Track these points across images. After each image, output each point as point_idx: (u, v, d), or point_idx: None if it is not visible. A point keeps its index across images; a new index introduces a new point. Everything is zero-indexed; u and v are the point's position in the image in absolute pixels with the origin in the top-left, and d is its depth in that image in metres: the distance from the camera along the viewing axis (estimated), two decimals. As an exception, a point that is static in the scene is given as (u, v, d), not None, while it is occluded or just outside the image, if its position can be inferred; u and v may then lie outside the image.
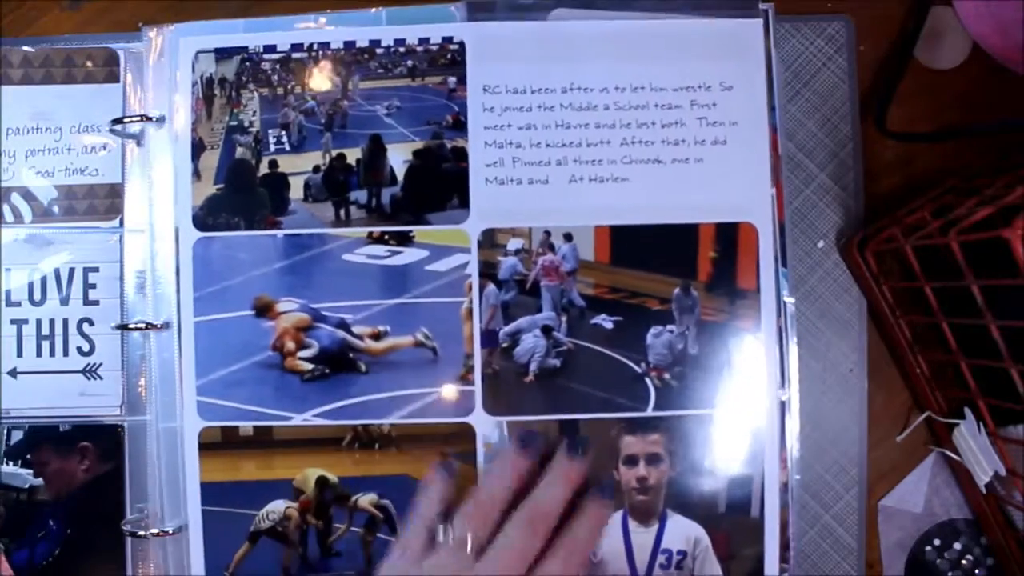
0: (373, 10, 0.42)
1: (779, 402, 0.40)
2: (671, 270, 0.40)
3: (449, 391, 0.40)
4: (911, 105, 0.46)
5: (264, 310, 0.41)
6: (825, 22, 0.47)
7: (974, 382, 0.41)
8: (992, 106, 0.46)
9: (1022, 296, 0.36)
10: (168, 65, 0.42)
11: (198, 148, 0.41)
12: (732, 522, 0.40)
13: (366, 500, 0.40)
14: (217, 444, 0.40)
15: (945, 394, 0.44)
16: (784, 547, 0.40)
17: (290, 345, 0.40)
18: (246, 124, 0.42)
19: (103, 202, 0.44)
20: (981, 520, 0.44)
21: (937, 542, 0.45)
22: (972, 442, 0.41)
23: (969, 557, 0.45)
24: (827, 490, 0.45)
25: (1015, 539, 0.43)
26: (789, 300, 0.41)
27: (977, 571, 0.45)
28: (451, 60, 0.41)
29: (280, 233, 0.41)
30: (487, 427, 0.40)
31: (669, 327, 0.40)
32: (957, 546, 0.45)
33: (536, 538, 0.35)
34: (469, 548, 0.35)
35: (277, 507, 0.40)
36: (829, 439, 0.45)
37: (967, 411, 0.42)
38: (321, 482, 0.40)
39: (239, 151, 0.41)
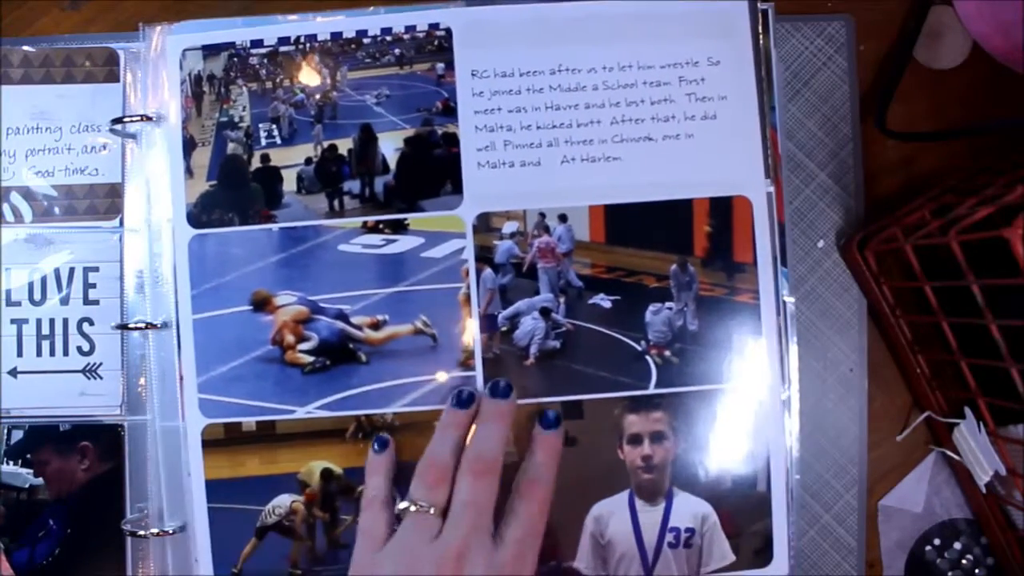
0: (370, 10, 0.42)
1: (781, 374, 0.40)
2: (667, 247, 0.40)
3: (450, 377, 0.40)
4: (911, 105, 0.46)
5: (262, 304, 0.41)
6: (825, 22, 0.47)
7: (974, 382, 0.41)
8: (992, 106, 0.46)
9: (1022, 296, 0.36)
10: (163, 64, 0.42)
11: (189, 145, 0.41)
12: (739, 497, 0.40)
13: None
14: (220, 441, 0.40)
15: (945, 394, 0.44)
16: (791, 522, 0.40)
17: (289, 338, 0.40)
18: (236, 119, 0.42)
19: (103, 202, 0.44)
20: (981, 520, 0.44)
21: (937, 542, 0.45)
22: (972, 442, 0.41)
23: (969, 557, 0.45)
24: (827, 490, 0.45)
25: (1015, 539, 0.43)
26: (789, 300, 0.41)
27: (977, 571, 0.45)
28: (438, 47, 0.41)
29: (275, 227, 0.41)
30: None
31: (668, 304, 0.40)
32: (957, 546, 0.45)
33: (490, 482, 0.36)
34: (432, 511, 0.35)
35: (283, 501, 0.40)
36: (829, 439, 0.45)
37: (967, 411, 0.42)
38: (326, 474, 0.40)
39: (230, 147, 0.41)
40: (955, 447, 0.42)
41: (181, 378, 0.40)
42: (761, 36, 0.40)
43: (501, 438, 0.37)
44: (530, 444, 0.38)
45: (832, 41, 0.46)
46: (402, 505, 0.36)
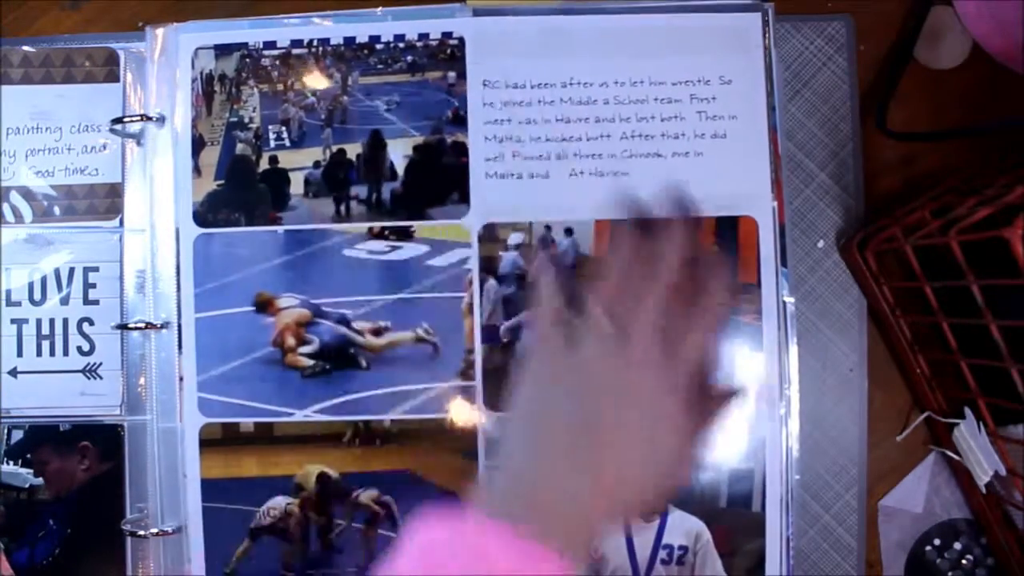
0: (379, 11, 0.42)
1: (782, 397, 0.40)
2: None
3: (450, 386, 0.40)
4: (911, 105, 0.46)
5: (265, 306, 0.41)
6: (825, 22, 0.46)
7: (974, 382, 0.41)
8: (992, 106, 0.46)
9: (1022, 296, 0.36)
10: (169, 63, 0.42)
11: (198, 144, 0.41)
12: (733, 516, 0.40)
13: (367, 496, 0.40)
14: (218, 440, 0.40)
15: (945, 394, 0.44)
16: (785, 543, 0.40)
17: (291, 341, 0.40)
18: (246, 120, 0.42)
19: (103, 202, 0.44)
20: (981, 520, 0.44)
21: (937, 542, 0.45)
22: (972, 442, 0.41)
23: (969, 557, 0.45)
24: (827, 490, 0.45)
25: (1015, 539, 0.43)
26: (789, 300, 0.41)
27: (977, 571, 0.45)
28: (451, 55, 0.41)
29: (280, 229, 0.41)
30: (488, 423, 0.40)
31: None
32: (957, 546, 0.45)
33: (668, 307, 0.30)
34: (613, 332, 0.30)
35: (278, 503, 0.40)
36: (829, 439, 0.45)
37: (967, 411, 0.42)
38: (322, 478, 0.40)
39: (239, 147, 0.41)
40: (955, 447, 0.42)
41: (180, 378, 0.40)
42: (770, 48, 0.40)
43: (682, 259, 0.31)
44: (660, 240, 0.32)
45: (832, 41, 0.46)
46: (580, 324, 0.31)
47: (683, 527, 0.40)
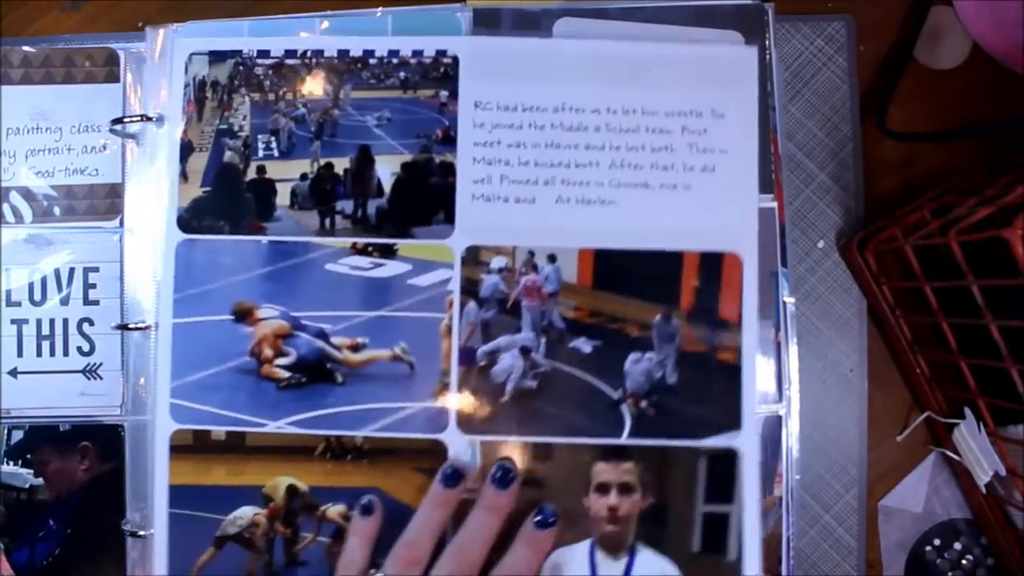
0: (378, 12, 0.42)
1: (782, 397, 0.40)
2: (653, 297, 0.40)
3: (424, 407, 0.40)
4: (911, 105, 0.46)
5: (244, 315, 0.40)
6: (825, 22, 0.47)
7: (974, 382, 0.41)
8: (992, 106, 0.46)
9: (1022, 296, 0.36)
10: (168, 65, 0.42)
11: (187, 150, 0.41)
12: (706, 562, 0.38)
13: (335, 511, 0.39)
14: (189, 447, 0.40)
15: (945, 394, 0.44)
16: (786, 543, 0.40)
17: (268, 352, 0.40)
18: (236, 128, 0.42)
19: (103, 202, 0.44)
20: (981, 520, 0.44)
21: (937, 542, 0.45)
22: (972, 442, 0.41)
23: (969, 557, 0.45)
24: (827, 490, 0.45)
25: (1015, 539, 0.43)
26: (789, 300, 0.40)
27: (977, 571, 0.45)
28: (444, 74, 0.41)
29: (264, 239, 0.41)
30: (460, 445, 0.39)
31: (648, 355, 0.39)
32: (957, 546, 0.45)
33: (465, 570, 0.35)
34: None
35: (245, 513, 0.40)
36: (829, 439, 0.45)
37: (967, 411, 0.42)
38: (291, 490, 0.40)
39: (227, 155, 0.41)
40: (955, 447, 0.42)
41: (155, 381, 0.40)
42: (770, 48, 0.40)
43: (492, 534, 0.36)
44: (517, 537, 0.37)
45: (832, 41, 0.46)
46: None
47: (653, 568, 0.38)
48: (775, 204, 0.40)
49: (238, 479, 0.40)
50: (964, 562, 0.45)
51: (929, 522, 0.46)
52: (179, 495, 0.40)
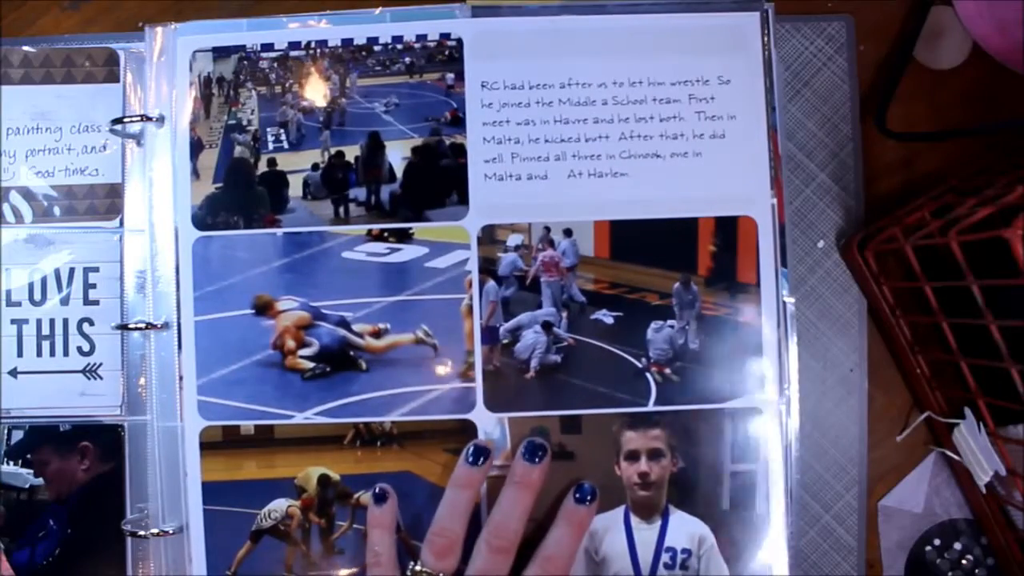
0: (378, 11, 0.42)
1: (782, 397, 0.40)
2: (671, 264, 0.40)
3: (450, 388, 0.40)
4: (911, 105, 0.46)
5: (264, 309, 0.41)
6: (825, 22, 0.47)
7: (974, 382, 0.41)
8: (992, 106, 0.46)
9: (1022, 296, 0.36)
10: (168, 64, 0.42)
11: (196, 147, 0.41)
12: (736, 518, 0.40)
13: (368, 498, 0.40)
14: (218, 443, 0.40)
15: (945, 394, 0.44)
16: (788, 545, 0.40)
17: (290, 343, 0.40)
18: (244, 123, 0.42)
19: (103, 202, 0.44)
20: (981, 520, 0.44)
21: (937, 542, 0.45)
22: (972, 442, 0.41)
23: (969, 557, 0.45)
24: (827, 490, 0.45)
25: (1015, 539, 0.43)
26: (789, 300, 0.41)
27: (977, 571, 0.45)
28: (449, 56, 0.41)
29: (279, 231, 0.41)
30: (488, 423, 0.40)
31: (670, 322, 0.40)
32: (957, 546, 0.45)
33: (505, 559, 0.36)
34: None
35: (279, 506, 0.40)
36: (829, 439, 0.45)
37: (967, 411, 0.42)
38: (323, 480, 0.40)
39: (237, 150, 0.41)
40: (955, 447, 0.42)
41: (181, 379, 0.40)
42: (769, 48, 0.40)
43: (525, 510, 0.37)
44: (557, 513, 0.38)
45: (832, 41, 0.46)
46: (414, 567, 0.36)
47: (686, 529, 0.39)
48: (774, 203, 0.40)
49: (269, 472, 0.40)
50: (964, 562, 0.45)
51: (929, 522, 0.46)
52: (212, 492, 0.40)
